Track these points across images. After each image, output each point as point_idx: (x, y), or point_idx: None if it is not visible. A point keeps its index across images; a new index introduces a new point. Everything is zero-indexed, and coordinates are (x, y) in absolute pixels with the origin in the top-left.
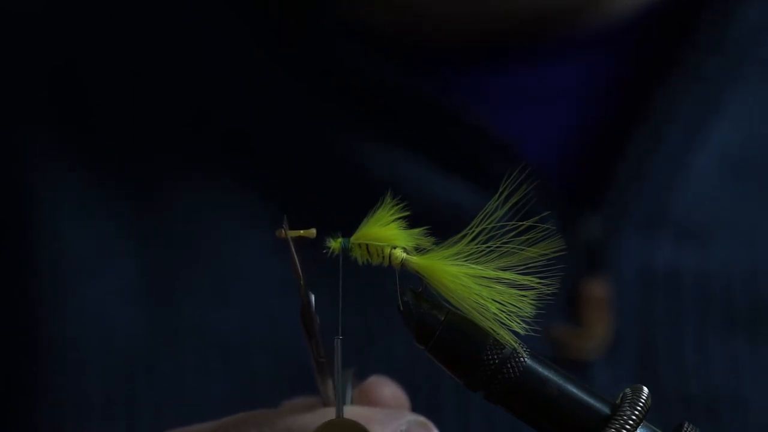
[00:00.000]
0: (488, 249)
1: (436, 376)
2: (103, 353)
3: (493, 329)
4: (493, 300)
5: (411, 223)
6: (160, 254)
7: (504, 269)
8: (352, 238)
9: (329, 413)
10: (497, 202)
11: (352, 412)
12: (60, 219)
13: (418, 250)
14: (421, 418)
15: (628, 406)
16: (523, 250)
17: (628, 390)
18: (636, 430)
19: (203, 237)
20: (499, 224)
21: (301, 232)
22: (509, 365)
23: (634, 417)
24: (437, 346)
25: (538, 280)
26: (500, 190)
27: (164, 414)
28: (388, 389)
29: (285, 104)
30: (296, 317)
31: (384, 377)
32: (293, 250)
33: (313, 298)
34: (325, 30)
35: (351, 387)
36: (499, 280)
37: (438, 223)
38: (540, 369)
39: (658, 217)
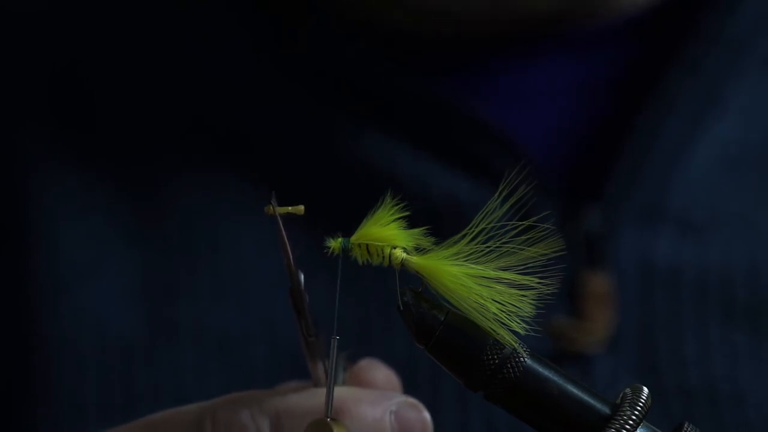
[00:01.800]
0: (488, 249)
1: (437, 375)
2: (103, 353)
3: (493, 329)
4: (493, 300)
5: (412, 219)
6: (157, 253)
7: (504, 269)
8: (352, 238)
9: (318, 394)
10: (497, 202)
11: (342, 392)
12: (57, 218)
13: (418, 250)
14: (412, 399)
15: (628, 406)
16: (523, 249)
17: (628, 390)
18: (636, 430)
19: (202, 237)
20: (499, 224)
21: (290, 208)
22: (509, 365)
23: (634, 417)
24: (437, 345)
25: (539, 280)
26: (500, 189)
27: None
28: (380, 372)
29: (285, 103)
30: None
31: (376, 360)
32: (281, 227)
33: (302, 276)
34: (326, 28)
35: (343, 370)
36: (499, 280)
37: (439, 221)
38: (540, 369)
39: (658, 211)
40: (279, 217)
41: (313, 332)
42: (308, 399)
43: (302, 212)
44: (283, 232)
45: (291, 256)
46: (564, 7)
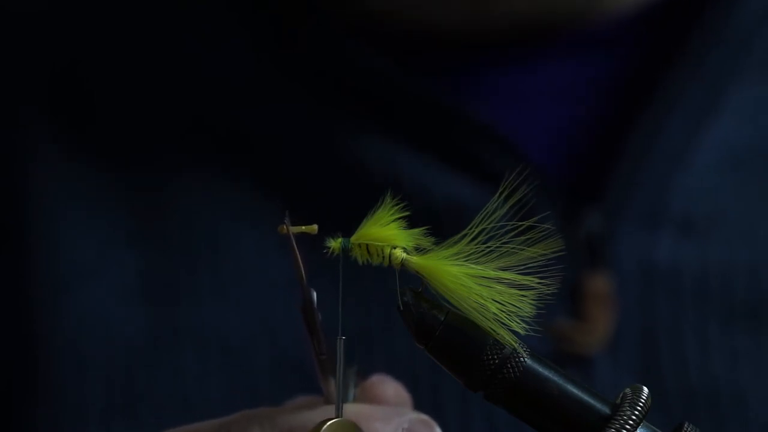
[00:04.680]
0: (488, 249)
1: (437, 375)
2: (103, 354)
3: (493, 329)
4: (493, 300)
5: (412, 220)
6: (159, 254)
7: (504, 269)
8: (352, 238)
9: (330, 411)
10: (497, 202)
11: (354, 409)
12: (58, 218)
13: (418, 250)
14: (424, 416)
15: (628, 406)
16: (523, 249)
17: (628, 390)
18: (636, 430)
19: (203, 237)
20: (499, 224)
21: (303, 228)
22: (509, 365)
23: (634, 417)
24: (437, 345)
25: (539, 280)
26: (500, 189)
27: (165, 415)
28: (390, 387)
29: (285, 103)
30: (296, 316)
31: (386, 375)
32: (295, 246)
33: (314, 294)
34: (326, 28)
35: (354, 385)
36: (499, 280)
37: (439, 221)
38: (540, 369)
39: (658, 211)
40: (292, 237)
41: (324, 350)
42: (321, 415)
43: (315, 232)
44: (297, 251)
45: (304, 275)
46: (557, 6)
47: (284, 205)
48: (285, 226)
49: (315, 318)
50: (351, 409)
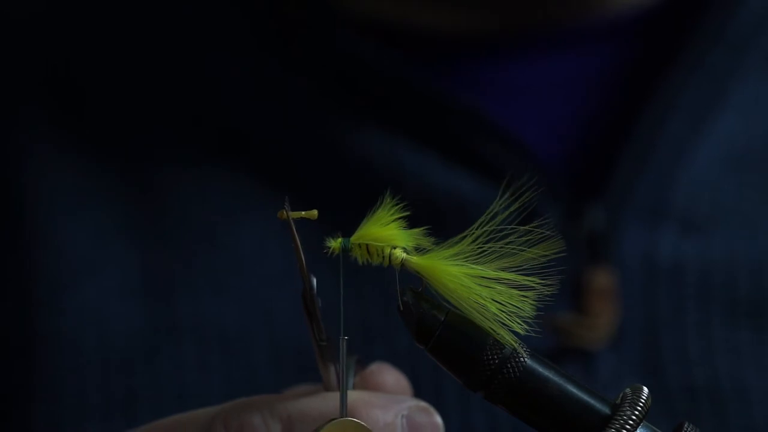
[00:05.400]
0: (489, 249)
1: (438, 374)
2: (102, 350)
3: (493, 329)
4: (493, 300)
5: (413, 217)
6: (157, 250)
7: (505, 269)
8: (352, 238)
9: (329, 398)
10: (501, 204)
11: (353, 397)
12: (57, 216)
13: (418, 249)
14: (423, 403)
15: (629, 406)
16: (524, 250)
17: (628, 390)
18: (636, 429)
19: (201, 231)
20: (500, 225)
21: (303, 213)
22: (509, 365)
23: (634, 417)
24: (437, 346)
25: (539, 281)
26: (505, 191)
27: (164, 410)
28: (390, 375)
29: (285, 97)
30: (295, 309)
31: (386, 364)
32: (295, 231)
33: (314, 280)
34: (326, 22)
35: (354, 374)
36: (499, 281)
37: (441, 217)
38: (540, 369)
39: (661, 208)
40: (292, 222)
41: (324, 336)
42: (320, 403)
43: (315, 217)
44: (296, 237)
45: (304, 261)
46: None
47: (282, 198)
48: (285, 212)
49: (315, 304)
50: (351, 397)
